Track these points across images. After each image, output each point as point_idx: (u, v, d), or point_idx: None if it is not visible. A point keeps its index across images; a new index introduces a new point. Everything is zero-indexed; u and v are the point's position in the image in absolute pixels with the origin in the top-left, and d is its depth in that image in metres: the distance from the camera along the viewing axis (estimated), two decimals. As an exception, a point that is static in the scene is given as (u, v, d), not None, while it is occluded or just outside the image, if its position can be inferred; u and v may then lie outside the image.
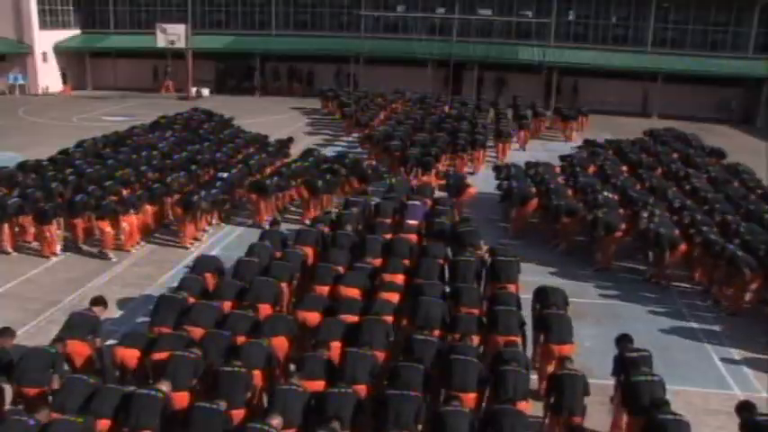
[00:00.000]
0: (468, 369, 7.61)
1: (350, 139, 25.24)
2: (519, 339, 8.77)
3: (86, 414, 6.66)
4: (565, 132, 27.22)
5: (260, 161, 17.75)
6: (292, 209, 16.41)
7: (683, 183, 16.85)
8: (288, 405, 6.85)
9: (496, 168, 18.02)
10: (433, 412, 7.00)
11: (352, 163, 17.43)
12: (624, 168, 18.83)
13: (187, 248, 13.67)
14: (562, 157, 19.98)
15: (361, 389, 7.37)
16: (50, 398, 7.33)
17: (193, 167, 16.72)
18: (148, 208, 14.22)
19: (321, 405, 6.93)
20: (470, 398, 7.38)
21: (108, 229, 13.10)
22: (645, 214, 13.49)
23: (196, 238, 14.10)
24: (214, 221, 15.16)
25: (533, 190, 15.46)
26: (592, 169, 18.48)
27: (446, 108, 28.01)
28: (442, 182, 16.80)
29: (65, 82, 36.21)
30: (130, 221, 13.49)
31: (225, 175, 16.00)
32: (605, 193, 15.03)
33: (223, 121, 24.62)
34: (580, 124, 28.06)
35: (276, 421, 6.56)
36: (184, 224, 13.83)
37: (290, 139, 20.77)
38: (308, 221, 14.20)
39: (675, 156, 20.37)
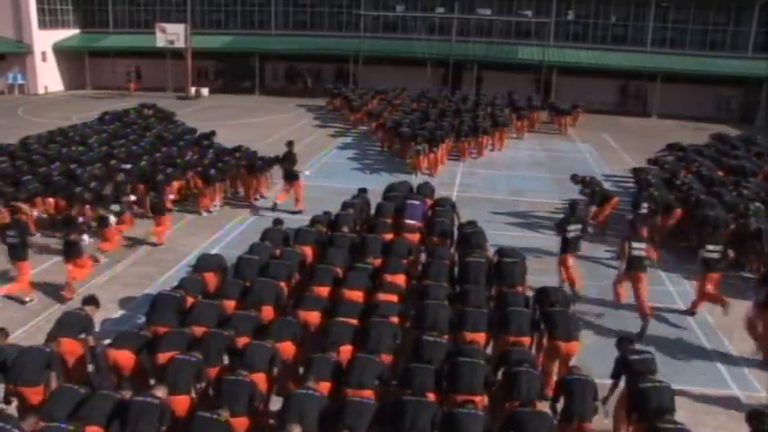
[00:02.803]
0: (475, 371, 7.55)
1: (357, 130, 26.73)
2: (529, 340, 8.78)
3: (75, 421, 6.46)
4: (560, 126, 28.44)
5: (166, 154, 18.30)
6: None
7: None
8: (305, 410, 6.74)
9: (635, 171, 17.95)
10: (447, 413, 6.92)
11: (243, 155, 18.16)
12: (720, 174, 18.04)
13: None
14: (650, 161, 20.07)
15: (369, 394, 7.28)
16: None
17: (112, 162, 17.19)
18: (50, 201, 14.53)
19: (339, 412, 6.83)
20: (478, 401, 7.29)
21: None
22: None
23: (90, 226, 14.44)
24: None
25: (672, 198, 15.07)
26: (683, 174, 17.95)
27: (446, 102, 29.11)
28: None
29: (129, 80, 36.45)
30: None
31: (127, 166, 16.50)
32: (757, 204, 14.43)
33: (165, 115, 25.28)
34: (574, 119, 29.07)
35: (297, 430, 6.44)
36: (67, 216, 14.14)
37: (213, 132, 21.42)
38: (205, 211, 15.94)
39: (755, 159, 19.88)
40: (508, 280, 10.27)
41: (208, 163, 17.24)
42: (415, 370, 7.57)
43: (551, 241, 14.83)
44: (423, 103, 28.73)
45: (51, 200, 14.53)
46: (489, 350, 8.89)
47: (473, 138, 22.62)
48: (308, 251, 11.39)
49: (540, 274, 11.94)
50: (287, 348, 8.28)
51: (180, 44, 33.80)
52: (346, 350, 8.15)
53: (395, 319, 8.82)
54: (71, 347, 8.18)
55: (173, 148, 19.18)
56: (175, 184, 16.13)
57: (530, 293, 10.12)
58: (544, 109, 30.12)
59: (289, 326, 8.59)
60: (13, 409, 7.59)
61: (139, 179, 15.85)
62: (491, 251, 11.54)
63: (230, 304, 9.37)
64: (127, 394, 6.93)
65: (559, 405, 7.47)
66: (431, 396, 7.21)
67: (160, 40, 33.82)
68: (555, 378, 8.37)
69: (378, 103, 28.89)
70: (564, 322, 8.74)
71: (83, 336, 8.35)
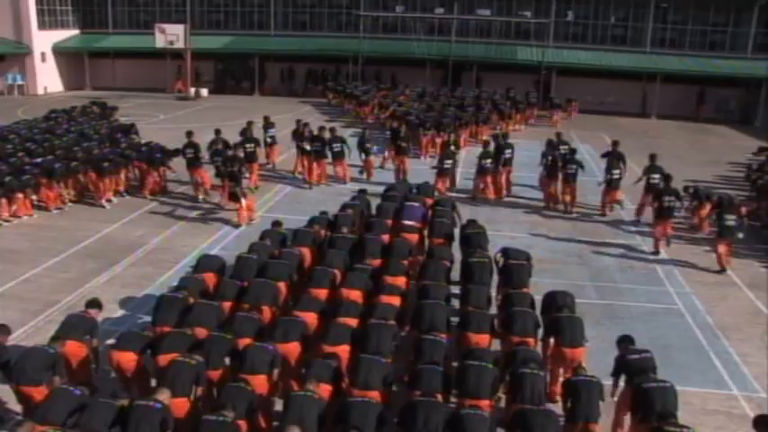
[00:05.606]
0: (483, 375, 7.52)
1: (365, 122, 27.78)
2: (533, 341, 8.77)
3: (71, 428, 6.41)
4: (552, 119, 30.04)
5: (84, 148, 18.61)
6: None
7: None
8: (304, 412, 6.72)
9: (755, 180, 17.92)
10: (452, 414, 6.90)
11: (146, 149, 18.51)
12: None
13: None
14: (751, 168, 20.14)
15: (375, 396, 7.28)
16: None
17: (19, 155, 17.38)
18: None
19: (344, 414, 6.82)
20: (485, 404, 7.26)
21: None
22: None
23: (6, 220, 14.84)
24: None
25: None
26: None
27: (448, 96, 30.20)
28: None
29: (177, 77, 36.47)
30: None
31: (39, 160, 16.80)
32: None
33: (108, 112, 25.82)
34: (569, 113, 30.72)
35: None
36: None
37: (132, 125, 22.14)
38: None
39: None
40: (515, 281, 10.27)
41: (104, 157, 17.56)
42: (423, 371, 7.57)
43: (551, 241, 14.90)
44: (424, 101, 29.11)
45: None
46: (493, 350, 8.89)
47: (474, 126, 25.01)
48: (305, 252, 11.36)
49: (541, 275, 11.93)
50: (293, 349, 8.25)
51: (179, 45, 33.80)
52: (344, 351, 8.14)
53: (393, 322, 8.80)
54: (75, 349, 8.18)
55: (92, 142, 19.44)
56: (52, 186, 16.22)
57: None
58: (546, 109, 30.86)
59: (296, 325, 8.55)
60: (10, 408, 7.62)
61: (44, 173, 16.07)
62: (493, 251, 11.54)
63: (227, 305, 9.35)
64: (124, 402, 6.83)
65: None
66: (438, 397, 7.23)
67: (160, 41, 33.81)
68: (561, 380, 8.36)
69: (382, 97, 29.86)
70: (570, 328, 8.67)
71: (87, 338, 8.35)
